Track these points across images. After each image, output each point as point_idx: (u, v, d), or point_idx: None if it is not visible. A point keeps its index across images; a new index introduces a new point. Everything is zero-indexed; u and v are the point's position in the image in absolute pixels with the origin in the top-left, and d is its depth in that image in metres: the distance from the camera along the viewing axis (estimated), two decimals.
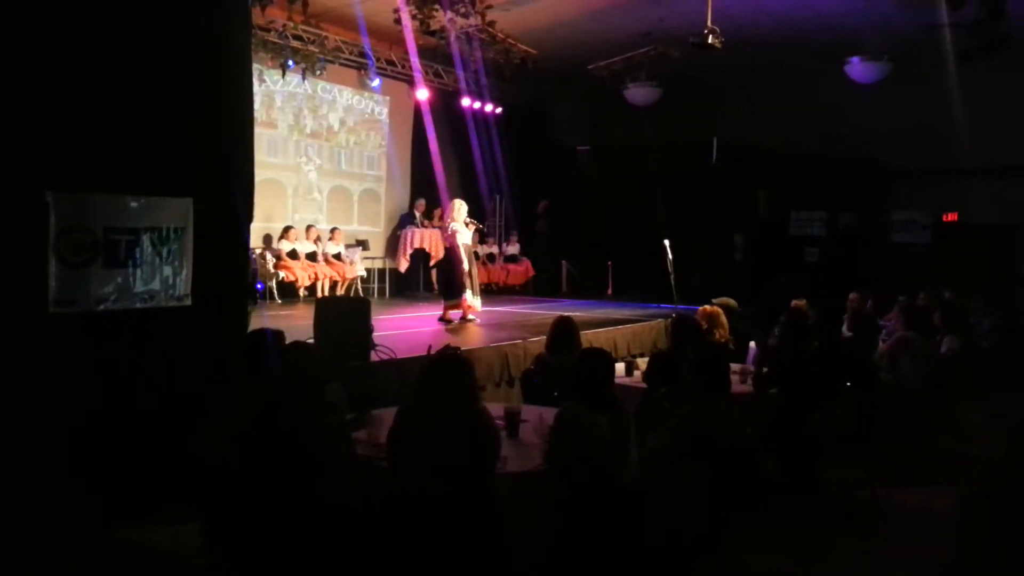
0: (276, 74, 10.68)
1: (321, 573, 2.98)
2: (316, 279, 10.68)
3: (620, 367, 5.46)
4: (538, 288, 13.09)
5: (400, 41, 11.02)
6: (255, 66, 8.53)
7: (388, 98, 12.73)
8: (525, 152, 13.18)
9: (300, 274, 10.49)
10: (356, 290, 11.30)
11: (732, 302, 6.80)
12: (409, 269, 12.30)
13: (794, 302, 7.01)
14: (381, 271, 12.32)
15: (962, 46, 9.49)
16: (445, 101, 12.68)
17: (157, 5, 4.65)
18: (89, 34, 4.33)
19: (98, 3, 4.41)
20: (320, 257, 10.94)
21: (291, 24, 9.80)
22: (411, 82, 12.32)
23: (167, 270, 4.67)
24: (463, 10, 9.22)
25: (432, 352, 3.52)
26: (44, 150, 4.22)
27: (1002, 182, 12.35)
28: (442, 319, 8.48)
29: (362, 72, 11.98)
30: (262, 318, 7.34)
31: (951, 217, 13.33)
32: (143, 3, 4.59)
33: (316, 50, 10.55)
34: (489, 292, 11.72)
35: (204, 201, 4.81)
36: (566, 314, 5.85)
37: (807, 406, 4.76)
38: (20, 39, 4.12)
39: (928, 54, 10.43)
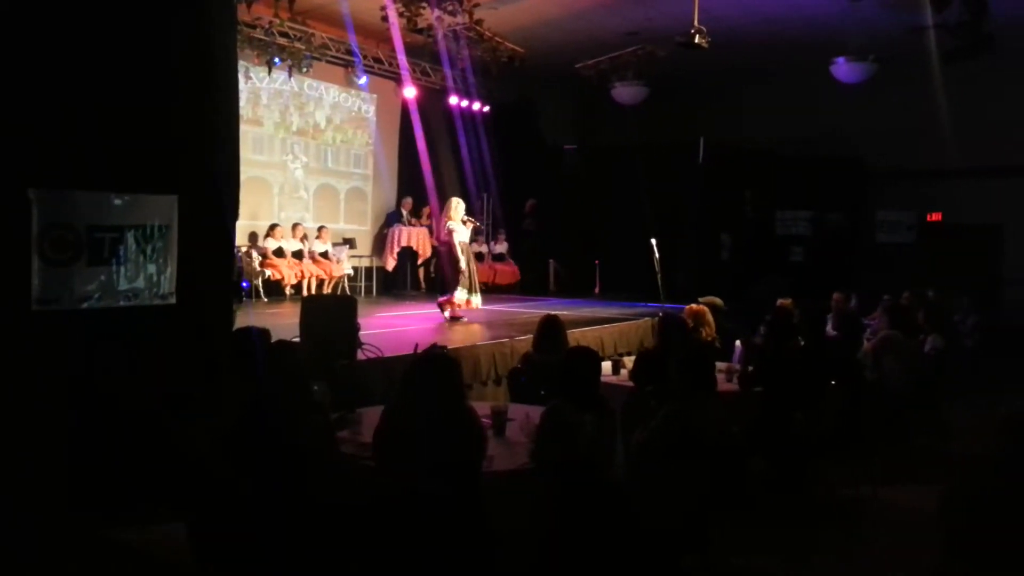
0: (262, 71, 10.62)
1: (307, 573, 2.96)
2: (303, 277, 10.64)
3: (607, 366, 5.47)
4: (525, 287, 13.09)
5: (387, 39, 10.98)
6: (241, 63, 8.47)
7: (375, 96, 12.69)
8: (512, 151, 13.18)
9: (286, 272, 10.45)
10: (343, 288, 11.26)
11: (718, 301, 6.83)
12: (396, 267, 12.27)
13: (780, 301, 7.04)
14: (368, 269, 12.29)
15: (946, 47, 9.56)
16: (432, 99, 12.65)
17: (141, 2, 4.61)
18: (72, 31, 4.30)
19: (81, 1, 4.37)
20: (307, 255, 10.90)
21: (277, 21, 9.74)
22: (398, 80, 12.29)
23: (151, 268, 4.63)
24: (450, 8, 9.21)
25: (418, 351, 3.52)
26: (27, 147, 4.19)
27: (986, 182, 12.46)
28: (444, 314, 8.62)
29: (349, 70, 11.93)
30: (248, 316, 7.31)
31: (935, 217, 13.44)
32: (126, 0, 4.55)
33: (302, 47, 10.50)
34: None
35: (189, 199, 4.78)
36: (553, 313, 5.85)
37: (792, 405, 4.79)
38: (2, 38, 4.07)
39: (913, 55, 10.51)
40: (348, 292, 11.14)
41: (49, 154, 4.25)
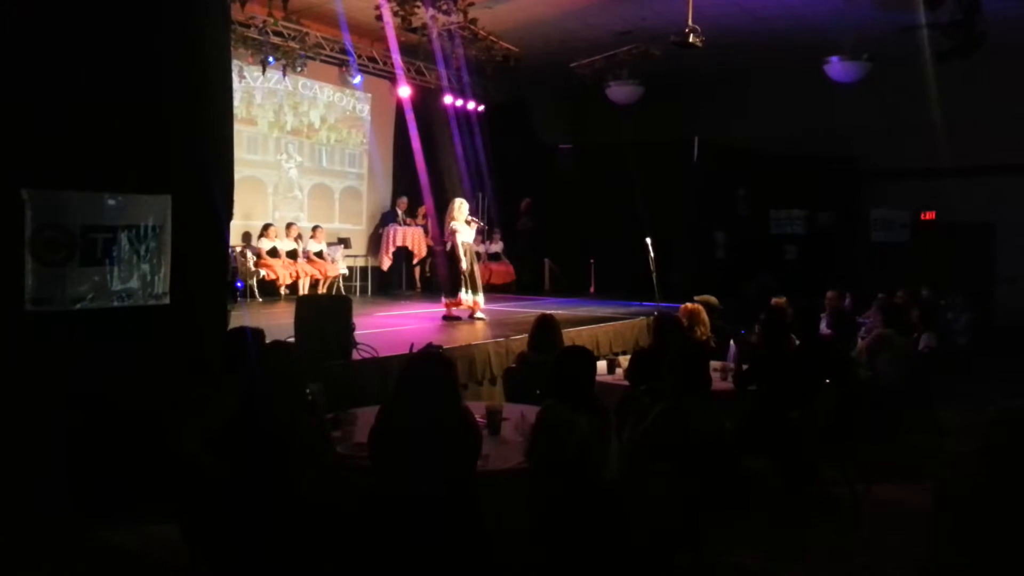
0: (256, 70, 10.61)
1: (301, 573, 2.96)
2: (297, 277, 10.63)
3: (602, 365, 5.48)
4: (520, 286, 13.09)
5: (382, 38, 10.96)
6: (235, 62, 8.47)
7: (370, 95, 12.67)
8: (507, 150, 13.18)
9: (281, 272, 10.43)
10: (338, 288, 11.25)
11: (713, 299, 6.84)
12: (391, 267, 12.27)
13: (774, 300, 7.05)
14: (363, 269, 12.27)
15: (939, 46, 9.59)
16: (427, 98, 12.64)
17: (134, 1, 4.60)
18: (66, 32, 4.29)
19: (74, 1, 4.36)
20: (301, 255, 10.89)
21: (271, 20, 9.72)
22: (393, 79, 12.28)
23: (145, 268, 4.63)
24: (445, 7, 9.19)
25: (414, 350, 3.52)
26: (20, 148, 4.18)
27: (979, 181, 12.50)
28: (446, 317, 8.67)
29: (343, 69, 11.91)
30: (242, 316, 7.29)
31: (929, 216, 13.48)
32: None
33: (296, 46, 10.48)
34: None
35: (182, 199, 4.77)
36: (548, 312, 5.85)
37: (786, 403, 4.79)
38: None
39: (906, 54, 10.54)
40: (343, 292, 11.13)
41: (42, 154, 4.24)
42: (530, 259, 13.65)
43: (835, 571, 4.14)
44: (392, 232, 12.11)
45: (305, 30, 10.49)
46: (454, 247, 8.58)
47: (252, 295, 10.26)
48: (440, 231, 12.48)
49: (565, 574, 3.06)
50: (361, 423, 3.66)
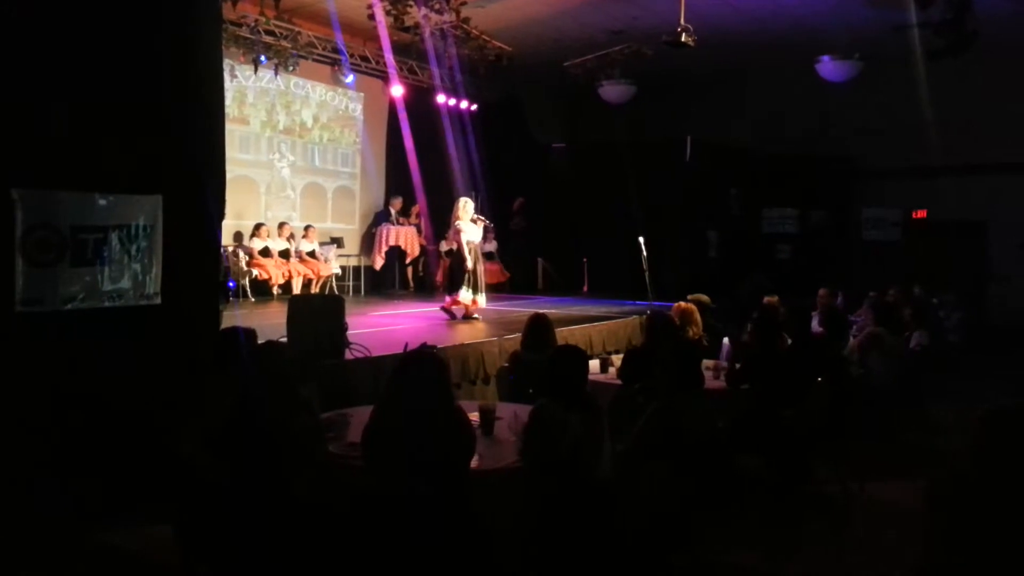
0: (248, 70, 10.57)
1: (296, 572, 2.95)
2: (290, 277, 10.60)
3: (595, 364, 5.48)
4: (514, 285, 13.10)
5: (374, 37, 10.95)
6: (226, 61, 8.43)
7: (362, 94, 12.65)
8: (500, 149, 13.17)
9: (274, 272, 10.41)
10: (331, 288, 11.22)
11: (706, 298, 6.84)
12: (384, 267, 12.25)
13: (766, 299, 7.07)
14: (356, 269, 12.25)
15: (930, 45, 9.63)
16: (420, 98, 12.62)
17: (125, 1, 4.58)
18: (56, 29, 4.27)
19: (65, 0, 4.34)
20: (294, 255, 10.86)
21: (263, 19, 9.70)
22: (385, 78, 12.26)
23: (136, 268, 4.61)
24: (437, 6, 9.19)
25: (407, 349, 3.50)
26: (9, 147, 4.15)
27: (971, 179, 12.56)
28: (444, 309, 8.75)
29: (336, 68, 11.89)
30: (235, 316, 7.27)
31: (920, 214, 13.53)
32: None
33: (289, 45, 10.46)
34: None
35: (174, 198, 4.76)
36: (541, 311, 5.85)
37: (779, 402, 4.81)
38: None
39: (897, 53, 10.58)
40: (336, 292, 11.11)
41: (33, 154, 4.22)
42: (523, 258, 13.65)
43: (828, 569, 4.15)
44: (385, 232, 12.09)
45: (297, 29, 10.47)
46: (459, 246, 8.61)
47: (244, 295, 10.23)
48: (432, 231, 12.53)
49: (560, 573, 3.06)
50: (354, 423, 3.65)
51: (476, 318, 8.60)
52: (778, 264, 13.29)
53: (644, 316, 8.41)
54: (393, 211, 12.28)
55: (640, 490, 3.26)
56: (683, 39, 9.22)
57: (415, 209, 12.54)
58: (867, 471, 5.20)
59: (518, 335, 5.91)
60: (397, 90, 12.16)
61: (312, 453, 3.18)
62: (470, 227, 8.60)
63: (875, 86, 12.13)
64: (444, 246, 12.88)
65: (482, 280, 8.74)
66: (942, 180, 12.64)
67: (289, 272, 10.59)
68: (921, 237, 13.15)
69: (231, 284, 9.90)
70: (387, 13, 9.32)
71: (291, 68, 10.79)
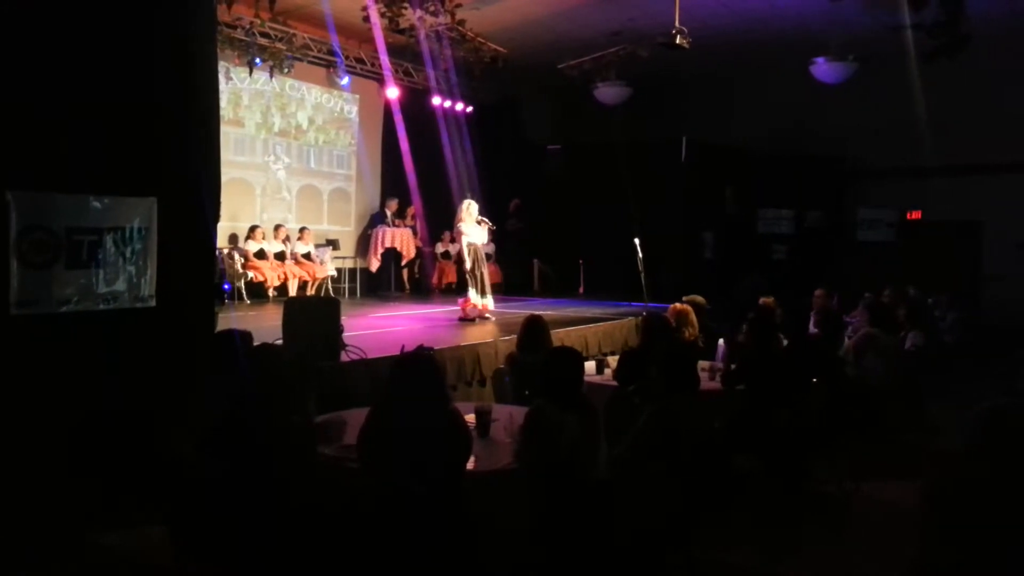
0: (243, 72, 10.56)
1: (291, 574, 2.95)
2: (285, 279, 10.59)
3: (591, 365, 5.48)
4: (509, 287, 13.10)
5: (369, 39, 10.95)
6: (221, 64, 8.44)
7: (357, 96, 12.65)
8: (496, 151, 13.18)
9: (269, 274, 10.39)
10: (326, 290, 11.21)
11: (701, 299, 6.85)
12: (380, 269, 12.23)
13: (762, 299, 7.07)
14: (352, 271, 12.24)
15: (924, 46, 9.66)
16: (415, 100, 12.62)
17: (119, 2, 4.57)
18: (50, 31, 4.26)
19: (60, 1, 4.33)
20: (289, 257, 10.85)
21: (258, 21, 9.69)
22: (381, 80, 12.26)
23: (131, 271, 4.60)
24: (432, 8, 9.19)
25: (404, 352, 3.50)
26: (3, 149, 4.14)
27: (964, 180, 12.60)
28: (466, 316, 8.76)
29: (331, 70, 11.89)
30: (230, 319, 7.25)
31: (915, 215, 13.57)
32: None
33: (284, 48, 10.45)
34: (460, 291, 11.69)
35: (168, 201, 4.75)
36: (537, 313, 5.85)
37: (775, 402, 4.81)
38: None
39: (892, 54, 10.61)
40: (331, 294, 11.09)
41: (26, 156, 4.21)
42: (519, 260, 13.65)
43: (825, 569, 4.15)
44: (380, 233, 12.09)
45: (292, 31, 10.46)
46: (461, 249, 8.64)
47: (240, 297, 10.22)
48: (428, 233, 12.54)
49: (557, 574, 3.06)
50: (350, 425, 3.65)
51: (477, 320, 8.61)
52: (774, 265, 13.31)
53: (640, 317, 8.44)
54: (389, 213, 12.28)
55: (637, 491, 3.26)
56: (678, 41, 9.23)
57: (411, 211, 12.54)
58: (863, 471, 5.20)
59: (514, 337, 5.91)
60: (392, 92, 12.16)
61: (307, 455, 3.17)
62: (473, 229, 8.60)
63: (870, 87, 12.17)
64: (440, 248, 12.90)
65: (484, 282, 8.74)
66: (937, 181, 12.68)
67: (285, 274, 10.58)
68: (916, 237, 13.19)
69: (226, 286, 9.88)
70: (382, 15, 9.31)
71: (286, 70, 10.78)
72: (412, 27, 9.87)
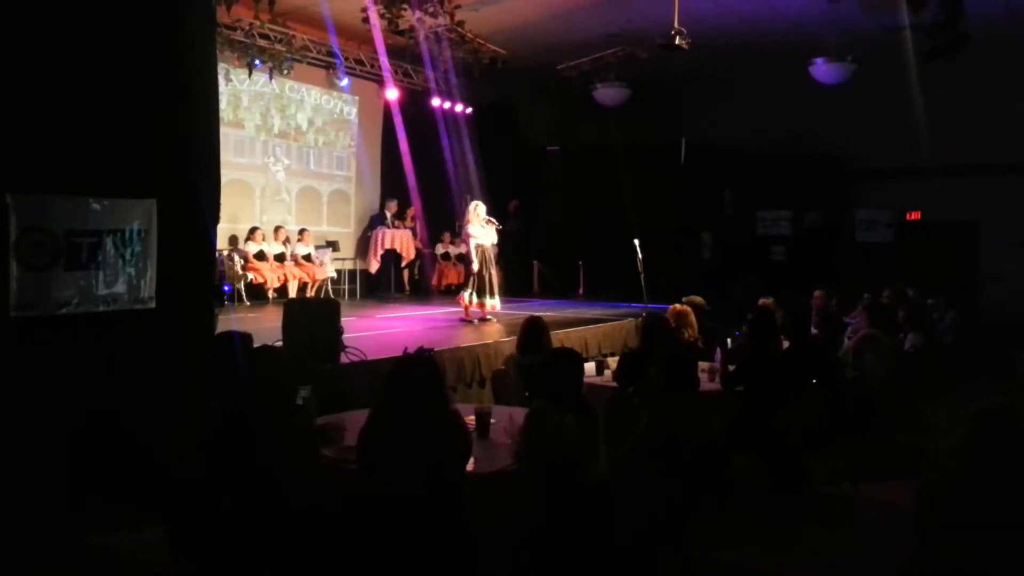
0: (242, 73, 10.57)
1: None
2: (285, 280, 10.59)
3: (590, 366, 5.49)
4: (509, 288, 13.10)
5: (368, 40, 10.95)
6: (221, 65, 8.43)
7: (357, 98, 12.65)
8: (495, 152, 13.18)
9: (269, 276, 10.40)
10: (326, 291, 11.21)
11: (700, 300, 6.85)
12: (380, 270, 12.24)
13: (761, 300, 7.08)
14: (351, 272, 12.24)
15: (923, 47, 9.68)
16: (414, 101, 12.63)
17: (118, 2, 4.58)
18: (49, 33, 4.26)
19: (59, 3, 4.34)
20: (289, 258, 10.85)
21: (258, 23, 9.68)
22: (380, 82, 12.26)
23: (131, 273, 4.60)
24: (431, 10, 9.19)
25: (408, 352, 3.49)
26: (3, 151, 4.14)
27: (963, 181, 12.62)
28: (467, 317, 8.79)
29: (330, 71, 11.89)
30: (230, 320, 7.25)
31: (914, 216, 13.59)
32: (105, 1, 4.52)
33: (283, 49, 10.45)
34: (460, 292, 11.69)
35: (168, 202, 4.75)
36: (537, 314, 5.86)
37: (774, 403, 4.82)
38: None
39: (890, 55, 10.62)
40: (331, 295, 11.09)
41: (26, 158, 4.21)
42: (518, 261, 13.65)
43: (823, 569, 4.16)
44: (380, 235, 12.09)
45: (291, 33, 10.47)
46: (467, 249, 8.67)
47: (240, 299, 10.21)
48: (428, 234, 12.54)
49: (556, 575, 3.06)
50: (350, 427, 3.65)
51: (488, 320, 8.62)
52: (773, 266, 13.33)
53: (639, 318, 8.44)
54: (388, 214, 12.28)
55: (636, 491, 3.27)
56: (677, 42, 9.24)
57: (410, 212, 12.54)
58: (862, 471, 5.21)
59: (514, 338, 5.91)
60: (392, 93, 12.17)
61: (306, 457, 3.18)
62: (481, 230, 8.61)
63: (868, 88, 12.18)
64: (440, 249, 12.90)
65: (492, 283, 8.74)
66: (936, 181, 12.69)
67: (284, 276, 10.58)
68: (915, 238, 13.20)
69: (226, 288, 9.86)
70: (381, 17, 9.32)
71: (286, 72, 10.78)
72: (411, 28, 9.88)
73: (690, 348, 5.76)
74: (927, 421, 6.59)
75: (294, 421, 3.24)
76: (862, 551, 4.31)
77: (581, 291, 12.77)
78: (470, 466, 3.21)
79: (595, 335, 8.33)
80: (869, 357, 6.28)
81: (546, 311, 9.08)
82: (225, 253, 10.12)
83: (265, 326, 6.82)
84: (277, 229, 10.95)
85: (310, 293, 10.85)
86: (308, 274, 10.89)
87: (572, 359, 3.61)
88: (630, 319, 8.97)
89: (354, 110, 12.71)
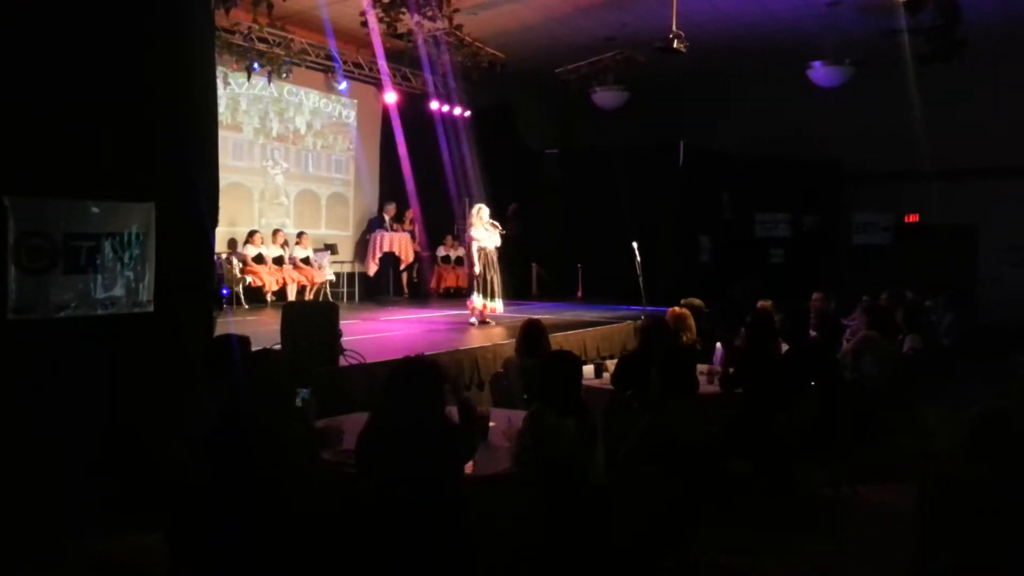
0: (241, 77, 10.57)
1: None
2: (284, 284, 10.59)
3: (589, 369, 5.49)
4: (507, 291, 13.09)
5: (367, 44, 10.97)
6: (219, 69, 8.44)
7: (355, 101, 12.66)
8: (494, 155, 13.18)
9: (267, 279, 10.39)
10: (325, 295, 11.21)
11: (699, 303, 6.85)
12: (378, 273, 12.24)
13: (760, 303, 7.08)
14: (350, 275, 12.24)
15: (921, 51, 9.70)
16: (413, 104, 12.64)
17: (117, 6, 4.58)
18: (48, 36, 4.26)
19: (57, 4, 4.34)
20: (288, 261, 10.84)
21: (256, 26, 9.70)
22: (379, 85, 12.27)
23: (129, 276, 4.60)
24: (430, 14, 9.20)
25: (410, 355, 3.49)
26: (1, 154, 4.14)
27: (960, 184, 12.64)
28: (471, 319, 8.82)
29: (329, 75, 11.90)
30: (228, 324, 7.25)
31: (912, 219, 13.61)
32: (103, 4, 4.52)
33: (282, 52, 10.47)
34: (459, 295, 11.70)
35: (166, 206, 4.75)
36: (535, 317, 5.86)
37: (772, 406, 4.82)
38: None
39: (888, 59, 10.64)
40: (330, 298, 11.09)
41: (24, 161, 4.21)
42: (517, 264, 13.65)
43: (821, 572, 4.15)
44: (379, 238, 12.09)
45: (290, 36, 10.48)
46: (468, 251, 8.72)
47: (238, 302, 10.21)
48: (427, 237, 12.54)
49: None
50: (349, 430, 3.65)
51: (487, 323, 8.63)
52: (771, 268, 13.33)
53: (638, 321, 8.44)
54: (387, 217, 12.29)
55: (634, 494, 3.27)
56: (675, 45, 9.26)
57: (409, 215, 12.54)
58: (860, 474, 5.21)
59: (512, 341, 5.91)
60: (390, 97, 12.17)
61: (304, 460, 3.17)
62: (484, 233, 8.64)
63: (866, 91, 12.21)
64: (442, 251, 12.91)
65: (495, 286, 8.76)
66: (933, 185, 12.72)
67: (283, 279, 10.58)
68: (913, 241, 13.22)
69: (225, 291, 9.87)
70: (380, 20, 9.33)
71: (284, 75, 10.79)
72: (410, 32, 9.89)
73: (689, 351, 5.76)
74: (925, 423, 6.58)
75: (293, 424, 3.24)
76: (860, 553, 4.31)
77: (580, 294, 12.77)
78: (468, 469, 3.21)
79: (593, 338, 8.33)
80: (867, 359, 6.28)
81: (545, 314, 9.08)
82: (223, 256, 10.12)
83: (263, 329, 6.82)
84: (276, 232, 10.95)
85: (309, 296, 10.85)
86: (307, 277, 10.89)
87: (570, 362, 3.61)
88: (628, 322, 8.97)
89: (353, 113, 12.72)
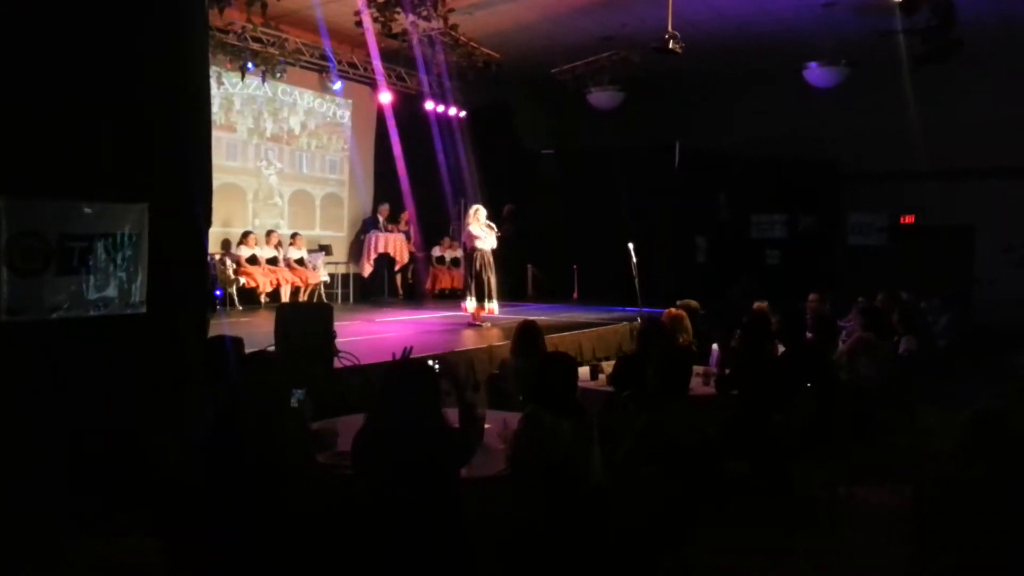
0: (235, 76, 10.54)
1: None
2: (278, 285, 10.55)
3: (585, 371, 5.47)
4: (503, 292, 13.08)
5: (362, 44, 10.95)
6: (213, 68, 8.42)
7: (350, 101, 12.63)
8: (489, 156, 13.18)
9: (261, 280, 10.35)
10: (319, 296, 11.18)
11: (695, 304, 6.84)
12: (373, 274, 12.21)
13: (756, 304, 7.08)
14: (344, 276, 12.22)
15: (916, 52, 9.72)
16: (408, 104, 12.62)
17: (111, 6, 4.55)
18: (41, 36, 4.24)
19: (50, 4, 4.31)
20: (282, 262, 10.81)
21: (250, 26, 9.68)
22: (373, 85, 12.25)
23: (122, 277, 4.58)
24: (425, 13, 9.19)
25: (407, 355, 3.46)
26: None
27: (956, 184, 12.67)
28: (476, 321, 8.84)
29: (323, 75, 11.87)
30: (222, 325, 7.22)
31: (908, 219, 13.63)
32: (96, 4, 4.49)
33: (276, 52, 10.44)
34: (454, 296, 11.69)
35: (160, 207, 4.73)
36: (531, 318, 5.84)
37: (768, 407, 4.80)
38: None
39: (884, 60, 10.66)
40: (324, 299, 11.06)
41: (17, 161, 4.19)
42: (513, 265, 13.63)
43: (819, 572, 4.15)
44: (374, 239, 12.06)
45: (284, 36, 10.45)
46: (465, 252, 8.77)
47: (232, 303, 10.17)
48: (421, 238, 12.52)
49: None
50: (344, 432, 3.63)
51: (482, 325, 8.61)
52: (767, 269, 13.34)
53: (634, 322, 8.44)
54: (381, 218, 12.26)
55: (631, 495, 3.25)
56: (671, 46, 9.26)
57: (404, 216, 12.52)
58: (857, 475, 5.20)
59: (508, 342, 5.89)
60: (385, 97, 12.15)
61: (300, 462, 3.15)
62: (483, 234, 8.63)
63: (862, 92, 12.22)
64: (438, 252, 12.89)
65: (491, 287, 8.75)
66: (929, 185, 12.74)
67: (277, 280, 10.54)
68: (909, 242, 13.25)
69: (218, 292, 9.84)
70: (375, 20, 9.32)
71: (278, 75, 10.76)
72: (405, 32, 9.87)
73: (685, 352, 5.75)
74: (922, 424, 6.58)
75: (289, 425, 3.21)
76: (857, 554, 4.30)
77: (575, 295, 12.76)
78: (464, 471, 3.19)
79: (589, 339, 8.32)
80: (863, 360, 6.27)
81: (540, 315, 9.07)
82: (217, 257, 10.08)
83: (257, 331, 6.79)
84: (270, 233, 10.91)
85: (303, 297, 10.81)
86: (301, 278, 10.85)
87: (566, 363, 3.59)
88: (624, 323, 8.97)
89: (347, 113, 12.69)
